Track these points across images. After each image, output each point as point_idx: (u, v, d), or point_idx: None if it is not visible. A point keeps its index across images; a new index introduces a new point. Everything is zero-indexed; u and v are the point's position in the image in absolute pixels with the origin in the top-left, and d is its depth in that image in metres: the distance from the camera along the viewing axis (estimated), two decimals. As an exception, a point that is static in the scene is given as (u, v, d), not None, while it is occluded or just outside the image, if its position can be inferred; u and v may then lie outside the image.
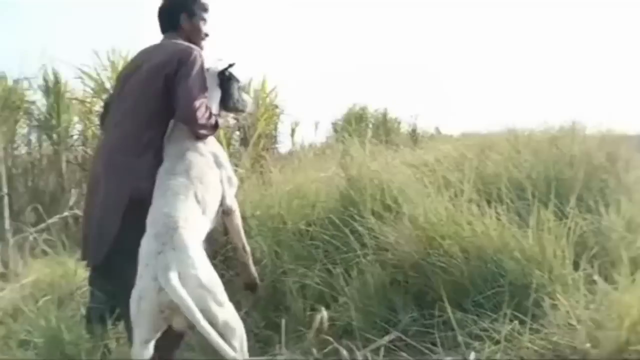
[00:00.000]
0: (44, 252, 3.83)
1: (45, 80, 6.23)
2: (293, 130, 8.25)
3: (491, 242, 2.64)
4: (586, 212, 2.87)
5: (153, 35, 2.61)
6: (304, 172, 4.23)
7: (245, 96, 2.60)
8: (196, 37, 2.53)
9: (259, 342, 2.79)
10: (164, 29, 2.57)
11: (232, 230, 2.50)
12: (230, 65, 2.49)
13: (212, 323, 1.89)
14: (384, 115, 10.00)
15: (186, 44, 2.43)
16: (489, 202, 2.86)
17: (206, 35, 2.58)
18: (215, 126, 2.38)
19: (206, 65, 2.42)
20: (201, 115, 2.27)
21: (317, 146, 7.73)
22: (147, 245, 1.97)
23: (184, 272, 1.89)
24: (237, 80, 2.53)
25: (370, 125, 9.84)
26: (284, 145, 7.83)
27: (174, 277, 1.83)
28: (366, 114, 9.88)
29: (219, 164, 2.37)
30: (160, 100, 2.33)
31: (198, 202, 2.15)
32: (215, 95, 2.45)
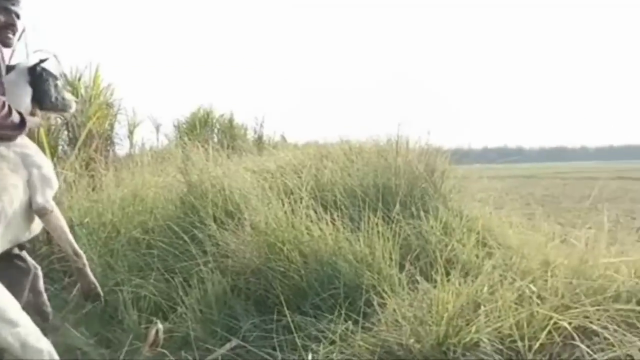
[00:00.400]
0: None
1: None
2: (131, 132, 7.77)
3: (327, 246, 2.78)
4: (409, 217, 3.16)
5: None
6: (142, 176, 4.02)
7: (67, 95, 2.39)
8: None
9: (87, 361, 2.58)
10: None
11: (55, 234, 2.21)
12: (42, 61, 2.27)
13: (8, 347, 1.69)
14: (230, 121, 9.94)
15: None
16: (325, 208, 3.01)
17: (10, 26, 2.22)
18: (21, 125, 2.14)
19: (17, 60, 2.19)
20: None
21: (159, 149, 7.39)
22: None
23: None
24: (54, 77, 2.31)
25: (216, 131, 9.71)
26: (122, 147, 7.32)
27: None
28: (211, 118, 9.73)
29: (29, 164, 2.12)
30: None
31: None
32: (24, 92, 2.22)
